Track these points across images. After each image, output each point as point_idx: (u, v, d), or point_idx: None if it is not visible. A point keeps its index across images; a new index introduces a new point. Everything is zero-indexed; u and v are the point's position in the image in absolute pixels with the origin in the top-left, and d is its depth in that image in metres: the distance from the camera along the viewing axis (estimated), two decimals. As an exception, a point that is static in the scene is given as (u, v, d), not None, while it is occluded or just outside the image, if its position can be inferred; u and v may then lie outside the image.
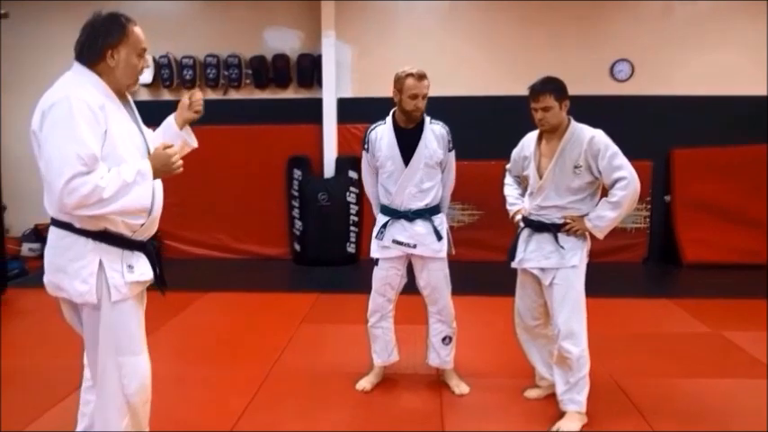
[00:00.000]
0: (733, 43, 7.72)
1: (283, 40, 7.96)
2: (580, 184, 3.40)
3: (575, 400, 3.42)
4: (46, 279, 2.46)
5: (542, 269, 3.48)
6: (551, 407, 3.61)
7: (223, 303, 6.00)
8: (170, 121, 2.81)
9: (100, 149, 2.29)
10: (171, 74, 7.93)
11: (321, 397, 3.83)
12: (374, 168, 3.87)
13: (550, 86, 3.40)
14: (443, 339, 3.91)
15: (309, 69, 7.88)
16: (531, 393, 3.82)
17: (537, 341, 3.74)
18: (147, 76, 7.83)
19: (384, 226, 3.79)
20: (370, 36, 7.89)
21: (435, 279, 3.82)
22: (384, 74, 7.42)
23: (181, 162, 2.50)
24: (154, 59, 7.84)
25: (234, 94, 8.07)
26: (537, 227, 3.52)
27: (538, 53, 7.59)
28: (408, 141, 3.74)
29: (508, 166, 3.84)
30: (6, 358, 4.26)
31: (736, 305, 5.90)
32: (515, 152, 3.75)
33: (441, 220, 3.83)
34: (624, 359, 4.39)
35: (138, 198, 2.35)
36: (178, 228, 7.97)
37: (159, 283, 2.66)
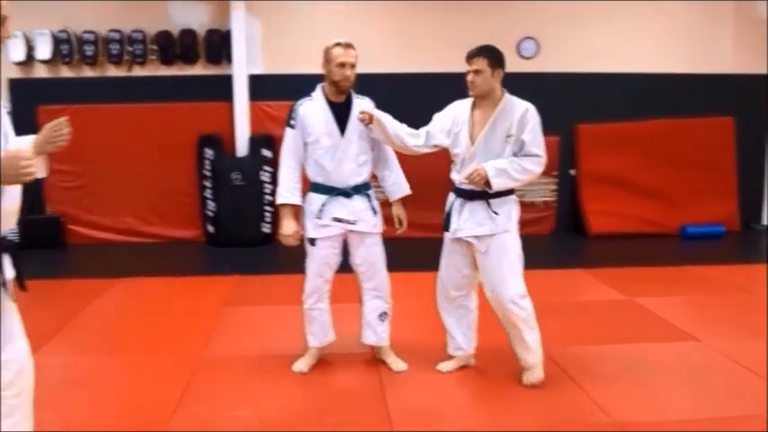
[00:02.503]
0: (633, 21, 8.06)
1: (190, 15, 7.62)
2: (509, 153, 3.47)
3: (531, 351, 3.61)
4: None
5: (477, 237, 3.54)
6: (484, 376, 3.75)
7: (138, 290, 5.75)
8: (28, 143, 2.48)
9: None
10: (70, 50, 7.43)
11: (259, 381, 3.75)
12: (301, 146, 3.75)
13: (485, 52, 3.48)
14: (380, 315, 3.90)
15: (218, 45, 7.60)
16: (446, 366, 3.87)
17: (457, 312, 3.81)
18: (45, 51, 7.34)
19: (323, 204, 3.71)
20: (282, 10, 7.68)
21: (372, 255, 3.81)
22: (297, 49, 7.41)
23: (33, 170, 2.16)
24: (52, 34, 7.35)
25: (139, 71, 7.67)
26: (469, 195, 3.55)
27: (446, 32, 7.66)
28: (340, 116, 3.69)
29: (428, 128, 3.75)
30: None
31: (644, 272, 6.23)
32: (442, 117, 3.71)
33: (373, 196, 3.83)
34: (547, 328, 4.41)
35: None
36: (83, 212, 7.66)
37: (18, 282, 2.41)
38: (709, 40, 8.22)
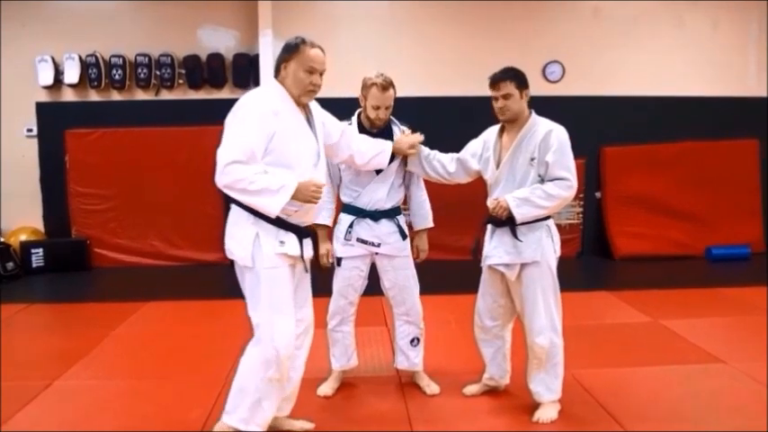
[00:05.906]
0: (658, 45, 8.09)
1: (218, 39, 7.78)
2: (535, 177, 3.36)
3: (550, 389, 3.48)
4: (226, 244, 3.08)
5: (506, 265, 3.45)
6: (518, 402, 3.67)
7: (165, 313, 5.80)
8: (388, 149, 3.52)
9: (262, 148, 2.86)
10: (99, 73, 7.60)
11: (284, 404, 3.74)
12: (337, 168, 3.77)
13: (511, 74, 3.40)
14: (412, 341, 3.87)
15: (246, 69, 7.72)
16: (470, 389, 3.83)
17: (493, 342, 3.73)
18: (73, 75, 7.49)
19: (351, 225, 3.72)
20: (309, 35, 7.72)
21: (403, 278, 3.79)
22: (325, 74, 7.45)
23: (320, 195, 2.99)
24: (80, 58, 7.51)
25: (167, 95, 7.82)
26: (496, 222, 3.47)
27: (472, 56, 7.72)
28: None
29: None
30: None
31: (670, 295, 6.17)
32: (474, 143, 3.68)
33: (403, 220, 3.82)
34: (574, 351, 4.36)
35: (269, 204, 2.86)
36: (109, 235, 7.73)
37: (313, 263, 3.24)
38: (734, 64, 8.21)
